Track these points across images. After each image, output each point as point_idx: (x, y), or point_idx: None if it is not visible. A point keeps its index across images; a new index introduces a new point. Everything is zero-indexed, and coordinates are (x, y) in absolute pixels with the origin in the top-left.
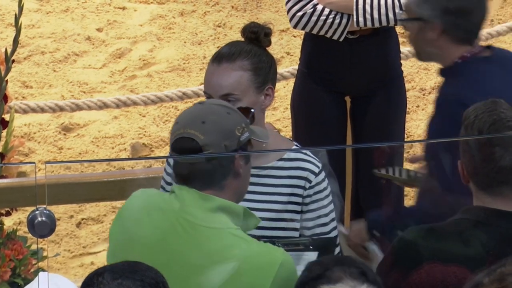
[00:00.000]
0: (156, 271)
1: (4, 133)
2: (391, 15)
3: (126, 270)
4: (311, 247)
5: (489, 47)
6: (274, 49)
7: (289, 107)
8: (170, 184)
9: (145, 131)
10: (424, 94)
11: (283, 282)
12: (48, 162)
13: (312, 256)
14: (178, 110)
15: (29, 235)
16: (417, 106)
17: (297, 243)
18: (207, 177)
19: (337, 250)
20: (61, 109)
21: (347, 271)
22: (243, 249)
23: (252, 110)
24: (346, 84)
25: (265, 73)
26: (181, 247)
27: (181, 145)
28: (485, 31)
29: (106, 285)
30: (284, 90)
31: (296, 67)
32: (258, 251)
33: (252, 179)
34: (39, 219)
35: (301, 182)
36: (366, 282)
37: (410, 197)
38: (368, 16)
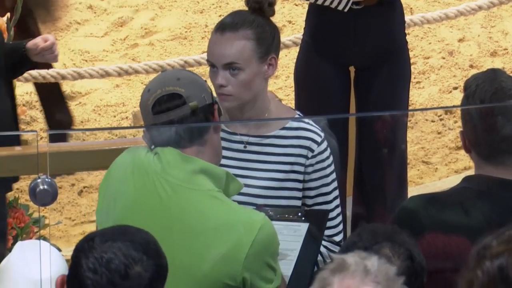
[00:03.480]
0: (147, 232)
1: None
2: None
3: (116, 233)
4: (303, 218)
5: None
6: (276, 18)
7: (291, 75)
8: None
9: None
10: (427, 63)
11: (262, 245)
12: (50, 130)
13: (303, 227)
14: None
15: (31, 203)
16: (422, 73)
17: (288, 213)
18: (191, 131)
19: (338, 219)
20: (63, 77)
21: (396, 251)
22: (223, 212)
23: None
24: (350, 55)
25: (268, 43)
26: (161, 208)
27: (164, 103)
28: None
29: (97, 249)
30: (286, 58)
31: (298, 35)
32: (238, 214)
33: (255, 148)
34: (41, 187)
35: (304, 152)
36: (411, 267)
37: (411, 165)
38: None
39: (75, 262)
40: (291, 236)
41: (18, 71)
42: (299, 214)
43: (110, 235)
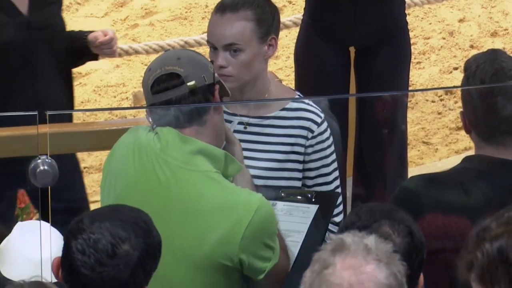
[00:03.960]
0: (139, 211)
1: None
2: None
3: (105, 214)
4: (313, 199)
5: None
6: None
7: (291, 56)
8: None
9: None
10: (427, 43)
11: (258, 226)
12: (50, 111)
13: (312, 209)
14: None
15: None
16: (422, 54)
17: (299, 194)
18: (190, 111)
19: (339, 200)
20: None
21: (396, 228)
22: (220, 194)
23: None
24: (350, 35)
25: (268, 24)
26: (159, 189)
27: (162, 82)
28: None
29: (86, 230)
30: (286, 39)
31: (298, 16)
32: (235, 195)
33: (255, 129)
34: (41, 168)
35: (304, 132)
36: (411, 243)
37: (411, 146)
38: None
39: (65, 244)
40: (299, 218)
41: (79, 61)
42: (309, 196)
43: (99, 215)
